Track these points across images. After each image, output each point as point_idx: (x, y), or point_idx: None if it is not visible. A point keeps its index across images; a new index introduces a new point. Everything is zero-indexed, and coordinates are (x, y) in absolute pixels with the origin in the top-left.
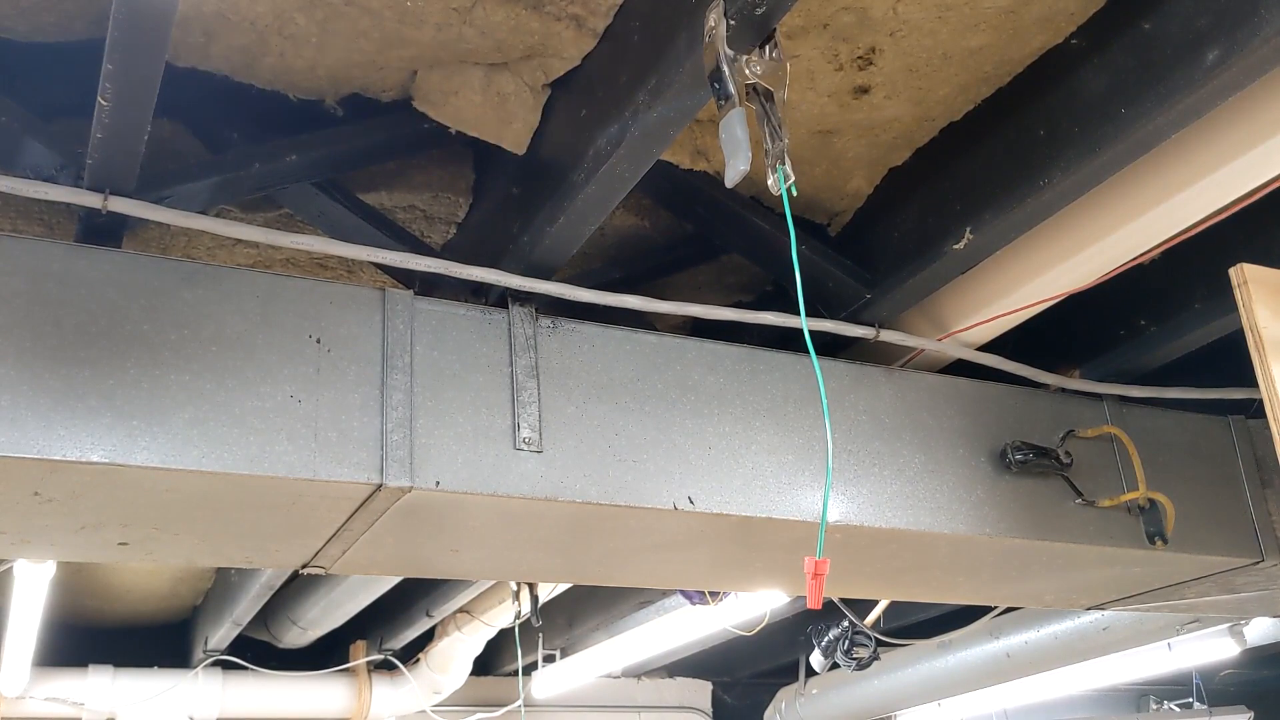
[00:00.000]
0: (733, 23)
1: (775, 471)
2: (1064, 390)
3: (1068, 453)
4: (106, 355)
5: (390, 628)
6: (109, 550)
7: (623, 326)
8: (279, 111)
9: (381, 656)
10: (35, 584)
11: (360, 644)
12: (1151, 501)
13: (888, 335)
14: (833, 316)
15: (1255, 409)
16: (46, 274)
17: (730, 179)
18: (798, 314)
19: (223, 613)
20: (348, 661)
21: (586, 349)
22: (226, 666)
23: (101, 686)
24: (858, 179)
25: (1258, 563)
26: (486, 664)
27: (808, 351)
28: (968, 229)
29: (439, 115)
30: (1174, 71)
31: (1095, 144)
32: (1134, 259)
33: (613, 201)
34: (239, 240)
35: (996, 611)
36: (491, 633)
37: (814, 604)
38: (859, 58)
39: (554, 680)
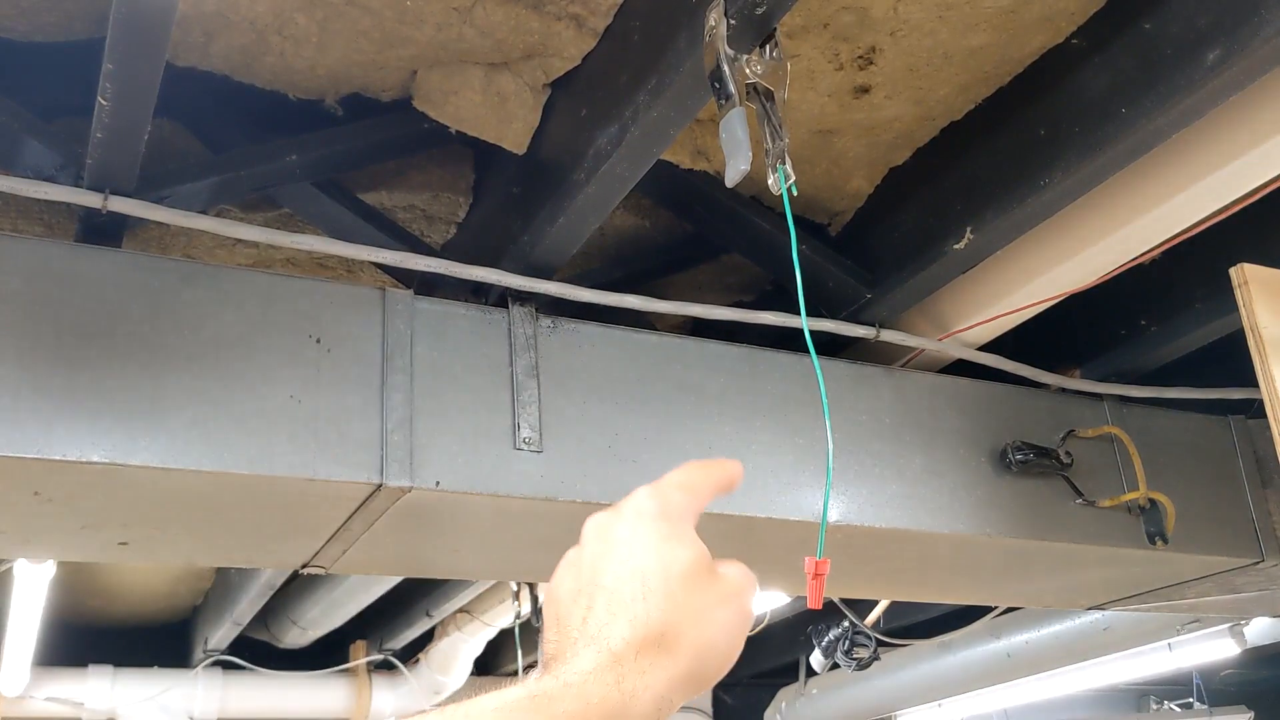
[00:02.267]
0: (733, 22)
1: (775, 471)
2: (1064, 390)
3: (1068, 453)
4: (106, 355)
5: (390, 628)
6: (109, 550)
7: (623, 326)
8: (279, 111)
9: (381, 656)
10: (35, 584)
11: (360, 644)
12: (1152, 501)
13: (888, 335)
14: (833, 316)
15: (1255, 409)
16: (46, 274)
17: (730, 179)
18: (798, 314)
19: (223, 613)
20: (348, 661)
21: (587, 349)
22: (226, 666)
23: (101, 686)
24: (858, 179)
25: (1258, 563)
26: (486, 664)
27: (808, 351)
28: (968, 229)
29: (439, 115)
30: (1174, 71)
31: (1095, 144)
32: (1134, 259)
33: (613, 201)
34: (239, 240)
35: (997, 611)
36: (492, 633)
37: (814, 604)
38: (859, 57)
39: None
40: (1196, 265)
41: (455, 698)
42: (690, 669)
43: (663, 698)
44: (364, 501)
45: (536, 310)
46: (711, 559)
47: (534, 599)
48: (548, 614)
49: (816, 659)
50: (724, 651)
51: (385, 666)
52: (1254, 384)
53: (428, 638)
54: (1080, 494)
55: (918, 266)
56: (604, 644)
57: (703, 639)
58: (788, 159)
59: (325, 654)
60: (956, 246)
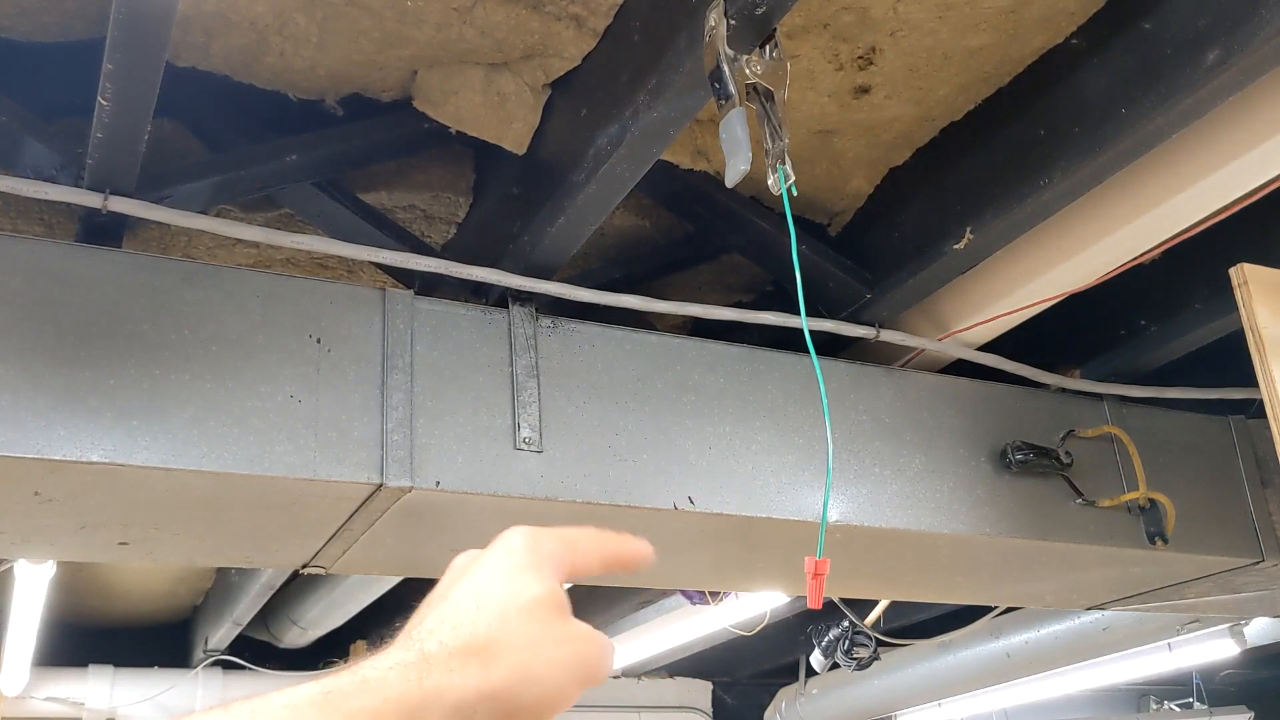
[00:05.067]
0: (733, 22)
1: (775, 471)
2: (1064, 390)
3: (1068, 453)
4: (106, 355)
5: (390, 628)
6: (109, 550)
7: (623, 326)
8: (279, 111)
9: None
10: (35, 584)
11: (360, 644)
12: (1152, 501)
13: (888, 335)
14: (833, 316)
15: (1255, 409)
16: (46, 274)
17: (730, 179)
18: (798, 314)
19: (223, 613)
20: (348, 661)
21: (587, 349)
22: (226, 666)
23: (101, 686)
24: (858, 179)
25: (1258, 563)
26: None
27: (808, 351)
28: (968, 229)
29: (439, 115)
30: (1174, 71)
31: (1095, 144)
32: (1134, 259)
33: (613, 201)
34: (239, 240)
35: (996, 611)
36: None
37: (814, 604)
38: (859, 57)
39: None
40: (1196, 265)
41: None
42: (505, 686)
43: (467, 703)
44: (364, 501)
45: (536, 310)
46: (567, 606)
47: None
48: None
49: (816, 659)
50: (548, 687)
51: None
52: (1254, 384)
53: None
54: (1080, 494)
55: (917, 266)
56: (418, 645)
57: (527, 665)
58: (788, 159)
59: (325, 654)
60: (956, 247)
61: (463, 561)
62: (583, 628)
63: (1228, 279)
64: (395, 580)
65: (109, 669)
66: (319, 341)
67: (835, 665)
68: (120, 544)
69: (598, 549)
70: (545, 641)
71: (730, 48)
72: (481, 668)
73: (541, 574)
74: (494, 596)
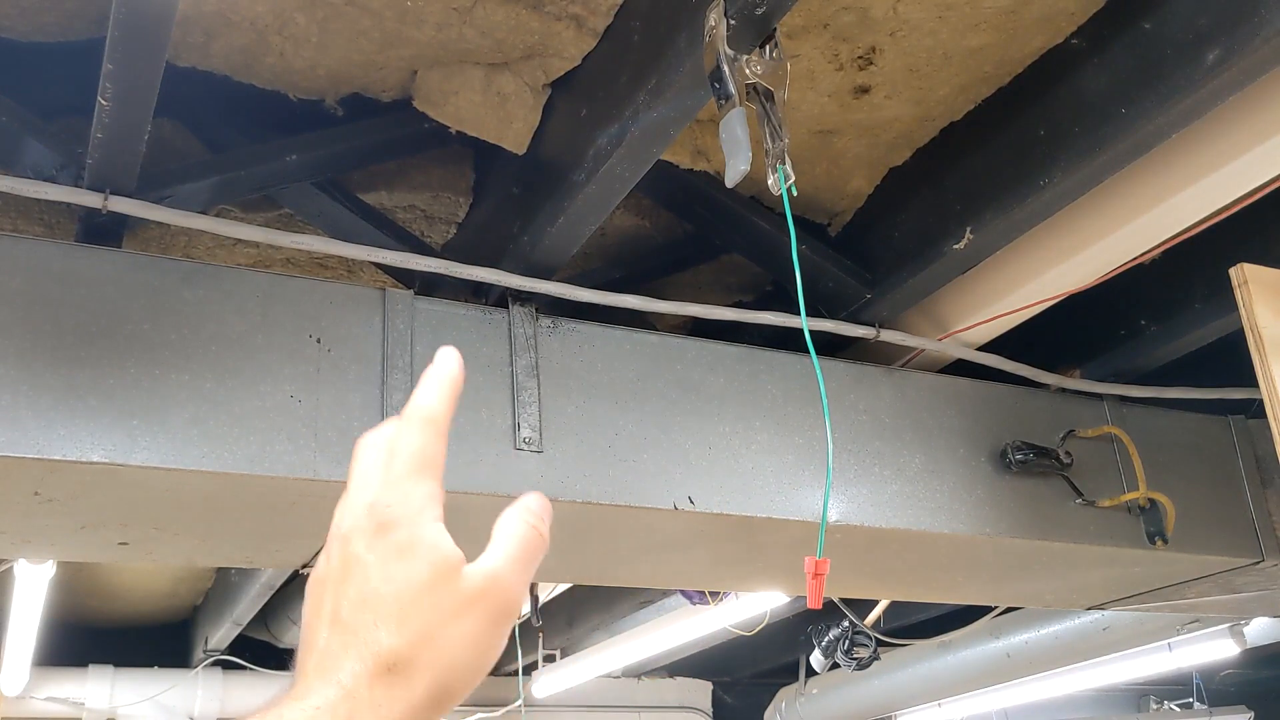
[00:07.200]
0: (733, 22)
1: (775, 471)
2: (1064, 390)
3: (1068, 453)
4: (106, 355)
5: None
6: (109, 550)
7: (623, 326)
8: (279, 111)
9: None
10: (35, 584)
11: None
12: (1152, 501)
13: (888, 335)
14: (833, 316)
15: (1255, 409)
16: (46, 274)
17: (730, 179)
18: (798, 314)
19: (223, 613)
20: None
21: (587, 349)
22: (226, 666)
23: (101, 686)
24: (858, 179)
25: (1258, 563)
26: None
27: (808, 351)
28: (968, 229)
29: (439, 115)
30: (1174, 71)
31: (1095, 144)
32: (1134, 259)
33: (613, 201)
34: (239, 240)
35: (996, 611)
36: None
37: (814, 604)
38: (859, 57)
39: (554, 680)
40: (1196, 265)
41: None
42: (431, 693)
43: None
44: None
45: (536, 310)
46: (452, 560)
47: (534, 599)
48: (300, 637)
49: (816, 659)
50: (469, 665)
51: None
52: (1254, 384)
53: None
54: (1080, 494)
55: (918, 266)
56: (334, 677)
57: (441, 660)
58: (788, 159)
59: None
60: (956, 247)
61: (338, 538)
62: (475, 578)
63: (1228, 279)
64: None
65: (109, 669)
66: (319, 341)
67: (835, 665)
68: (120, 544)
69: (444, 410)
70: (447, 622)
71: (730, 48)
72: (405, 687)
73: (417, 545)
74: (385, 601)
